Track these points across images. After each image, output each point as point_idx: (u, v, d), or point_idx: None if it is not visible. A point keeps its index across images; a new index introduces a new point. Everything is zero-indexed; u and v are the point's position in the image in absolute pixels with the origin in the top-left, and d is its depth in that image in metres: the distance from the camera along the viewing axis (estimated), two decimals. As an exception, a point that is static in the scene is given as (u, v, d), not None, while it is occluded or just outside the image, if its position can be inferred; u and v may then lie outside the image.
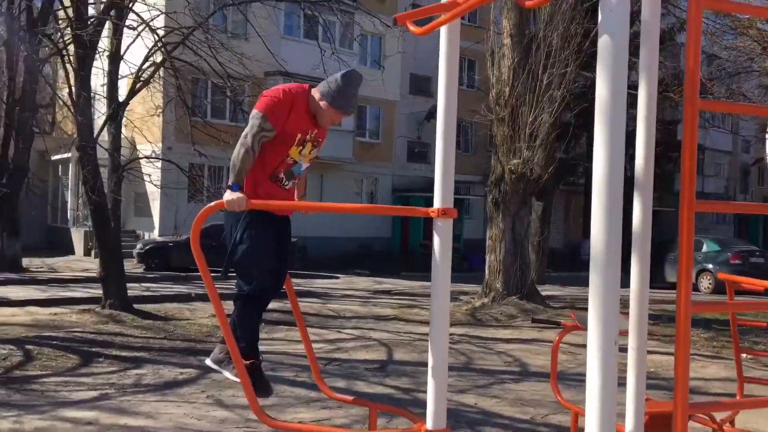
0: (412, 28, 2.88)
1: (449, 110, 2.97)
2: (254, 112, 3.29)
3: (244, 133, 3.24)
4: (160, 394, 5.36)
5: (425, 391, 6.17)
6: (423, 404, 5.64)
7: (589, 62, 12.50)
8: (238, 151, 3.19)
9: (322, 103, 3.32)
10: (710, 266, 17.56)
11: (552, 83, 11.02)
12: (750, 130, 38.12)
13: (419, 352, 7.39)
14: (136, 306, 9.94)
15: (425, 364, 7.51)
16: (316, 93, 3.36)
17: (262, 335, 8.38)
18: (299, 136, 3.32)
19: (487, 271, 11.66)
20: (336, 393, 3.87)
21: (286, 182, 3.39)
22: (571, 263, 25.77)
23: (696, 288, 18.04)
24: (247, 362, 3.35)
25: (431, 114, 26.52)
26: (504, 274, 11.33)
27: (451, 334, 8.74)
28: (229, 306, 3.43)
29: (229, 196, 3.09)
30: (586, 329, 4.62)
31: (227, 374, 3.43)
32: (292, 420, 4.78)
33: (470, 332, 8.87)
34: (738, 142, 40.19)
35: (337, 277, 18.13)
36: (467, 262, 22.67)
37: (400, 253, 24.98)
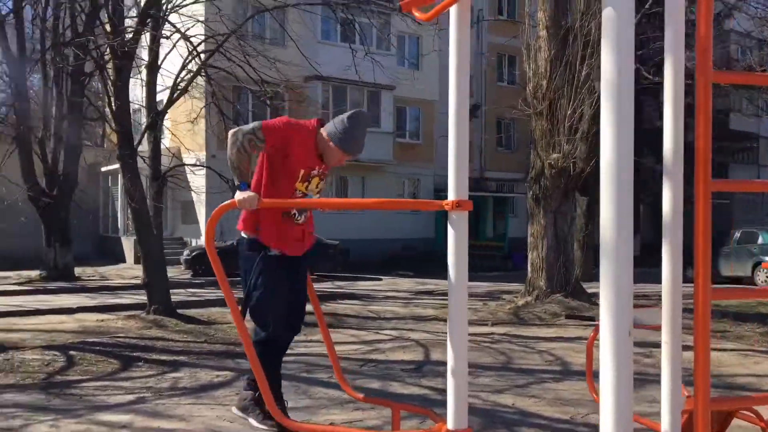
0: (417, 14, 2.80)
1: (461, 98, 2.88)
2: (255, 122, 3.31)
3: (233, 131, 3.21)
4: (195, 397, 5.38)
5: (459, 391, 6.01)
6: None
7: (651, 54, 12.19)
8: (231, 151, 3.18)
9: (330, 144, 3.32)
10: (767, 259, 16.86)
11: (591, 74, 10.74)
12: (808, 116, 36.55)
13: (457, 352, 7.26)
14: (179, 311, 10.09)
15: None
16: (324, 132, 3.35)
17: (300, 337, 8.41)
18: (302, 171, 3.32)
19: (529, 269, 11.44)
20: (358, 392, 3.81)
21: (299, 217, 3.39)
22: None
23: (753, 282, 17.35)
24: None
25: (472, 112, 26.31)
26: (547, 272, 11.09)
27: (491, 334, 8.60)
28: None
29: (239, 195, 3.08)
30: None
31: (253, 422, 3.44)
32: (324, 422, 4.75)
33: (512, 331, 8.70)
34: (796, 129, 38.57)
35: (380, 279, 18.11)
36: (511, 261, 22.38)
37: (444, 253, 24.80)
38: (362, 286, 16.02)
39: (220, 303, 12.23)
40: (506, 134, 27.16)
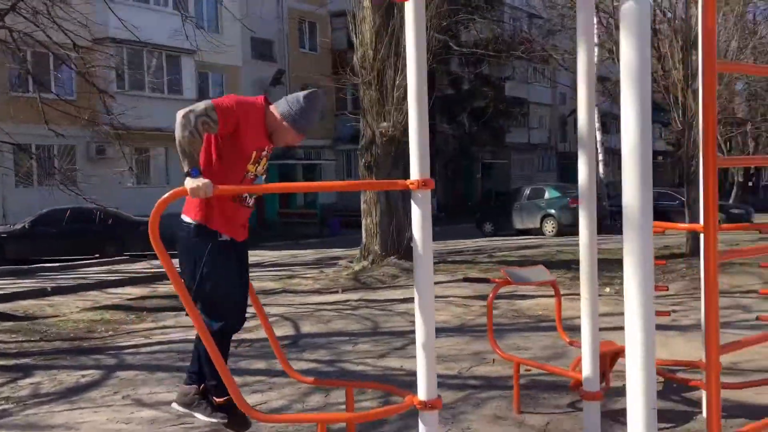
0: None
1: (420, 81, 2.93)
2: (206, 101, 3.05)
3: (183, 112, 2.92)
4: (69, 402, 4.86)
5: (348, 361, 6.16)
6: (351, 374, 5.63)
7: (448, 26, 12.89)
8: (182, 135, 2.90)
9: (284, 124, 3.17)
10: (553, 211, 19.08)
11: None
12: (567, 82, 41.44)
13: (325, 323, 7.34)
14: (-13, 308, 8.90)
15: (336, 334, 7.48)
16: (275, 112, 3.19)
17: (150, 324, 7.89)
18: (255, 153, 3.15)
19: (364, 235, 11.79)
20: (300, 374, 3.76)
21: (249, 200, 3.23)
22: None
23: (541, 232, 19.54)
24: (221, 400, 3.20)
25: (276, 79, 25.96)
26: (381, 236, 11.51)
27: (346, 301, 8.78)
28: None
29: (191, 183, 2.85)
30: (516, 283, 4.82)
31: (200, 416, 3.24)
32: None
33: (364, 296, 8.96)
34: (556, 96, 43.50)
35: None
36: (326, 228, 22.75)
37: (257, 223, 24.45)
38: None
39: (29, 295, 10.96)
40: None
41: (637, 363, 2.11)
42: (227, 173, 3.07)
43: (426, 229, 3.04)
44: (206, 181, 2.83)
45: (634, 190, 2.10)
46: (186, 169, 2.89)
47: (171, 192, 2.84)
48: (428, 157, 3.00)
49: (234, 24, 22.84)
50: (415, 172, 2.97)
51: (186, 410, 3.25)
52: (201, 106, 2.95)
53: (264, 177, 3.32)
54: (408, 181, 2.98)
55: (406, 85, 10.68)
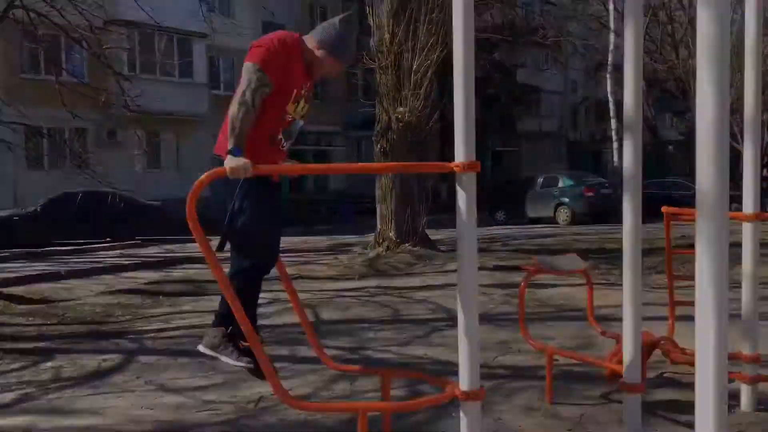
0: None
1: (467, 64, 2.81)
2: (248, 65, 2.93)
3: (240, 90, 2.89)
4: (92, 387, 4.80)
5: (371, 348, 6.07)
6: (375, 361, 5.55)
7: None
8: (237, 111, 2.84)
9: (320, 53, 3.04)
10: (566, 200, 18.91)
11: (432, 29, 11.00)
12: (579, 69, 41.10)
13: (343, 309, 7.27)
14: (2, 290, 8.86)
15: (356, 321, 7.38)
16: (310, 41, 3.07)
17: (168, 308, 7.82)
18: (295, 91, 3.03)
19: (378, 221, 11.70)
20: (326, 355, 3.68)
21: (285, 143, 3.11)
22: (433, 206, 26.68)
23: (555, 221, 19.39)
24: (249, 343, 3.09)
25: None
26: (396, 223, 11.42)
27: (364, 288, 8.70)
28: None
29: (232, 162, 2.77)
30: (550, 271, 4.71)
31: (226, 359, 3.14)
32: (252, 395, 4.52)
33: (382, 283, 8.87)
34: (567, 84, 43.17)
35: (209, 239, 17.38)
36: (337, 214, 22.65)
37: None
38: (194, 247, 15.22)
39: (44, 278, 10.92)
40: (322, 88, 27.05)
41: (709, 358, 1.99)
42: (266, 113, 2.97)
43: (471, 215, 2.95)
44: (246, 160, 2.76)
45: (709, 173, 1.98)
46: (230, 146, 2.82)
47: (209, 173, 2.78)
48: (473, 139, 2.89)
49: (245, 8, 22.78)
50: (461, 154, 2.88)
51: (212, 353, 3.15)
52: (253, 79, 2.87)
53: (302, 123, 3.20)
54: (453, 164, 2.89)
55: (423, 69, 10.47)
